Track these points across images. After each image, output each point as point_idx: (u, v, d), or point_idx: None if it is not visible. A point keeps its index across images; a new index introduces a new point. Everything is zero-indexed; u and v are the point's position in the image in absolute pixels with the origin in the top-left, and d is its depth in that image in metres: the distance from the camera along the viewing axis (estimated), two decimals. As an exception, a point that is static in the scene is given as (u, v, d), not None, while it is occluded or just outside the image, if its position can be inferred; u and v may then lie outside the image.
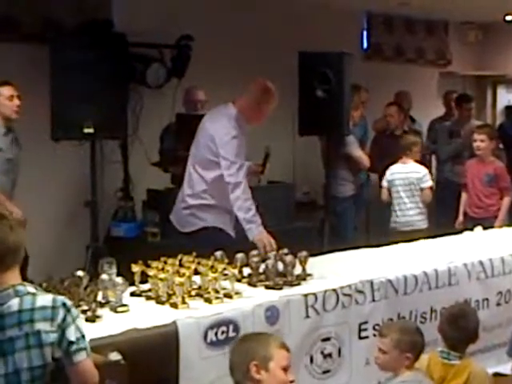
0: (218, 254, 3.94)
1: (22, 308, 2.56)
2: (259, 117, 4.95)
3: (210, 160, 4.79)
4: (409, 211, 6.58)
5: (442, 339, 3.78)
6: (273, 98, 4.90)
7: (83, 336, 2.62)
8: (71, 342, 2.58)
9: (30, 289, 2.64)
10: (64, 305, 2.60)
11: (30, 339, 2.55)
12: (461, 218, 6.67)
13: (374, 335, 3.96)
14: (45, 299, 2.61)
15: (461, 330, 3.71)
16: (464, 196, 6.74)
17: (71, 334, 2.58)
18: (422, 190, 6.56)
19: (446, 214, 7.44)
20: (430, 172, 8.98)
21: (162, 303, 3.57)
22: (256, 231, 4.57)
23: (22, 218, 2.86)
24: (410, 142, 6.74)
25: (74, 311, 2.64)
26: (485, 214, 6.53)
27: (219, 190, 4.75)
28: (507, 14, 9.28)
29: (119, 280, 3.49)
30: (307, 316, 3.78)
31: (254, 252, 4.06)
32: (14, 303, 2.57)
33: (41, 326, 2.55)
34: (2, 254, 2.60)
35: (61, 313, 2.58)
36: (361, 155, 7.30)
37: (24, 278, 2.69)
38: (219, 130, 4.79)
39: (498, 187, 6.57)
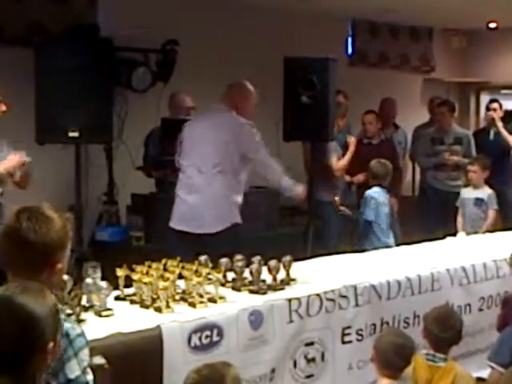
0: (203, 258, 3.96)
1: None
2: (249, 113, 5.30)
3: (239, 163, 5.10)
4: None
5: (428, 341, 3.81)
6: (252, 94, 5.34)
7: (85, 369, 2.39)
8: (70, 380, 2.35)
9: None
10: (67, 335, 2.35)
11: None
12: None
13: (357, 340, 3.98)
14: None
15: (449, 329, 3.78)
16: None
17: (71, 371, 2.34)
18: None
19: (428, 220, 7.51)
20: (414, 179, 9.07)
21: (147, 307, 3.57)
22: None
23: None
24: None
25: (79, 342, 2.38)
26: None
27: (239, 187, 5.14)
28: (490, 22, 9.36)
29: (103, 284, 3.49)
30: (291, 320, 3.80)
31: (239, 257, 4.07)
32: None
33: None
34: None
35: (61, 343, 2.31)
36: (333, 164, 7.30)
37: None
38: (236, 130, 5.13)
39: None
